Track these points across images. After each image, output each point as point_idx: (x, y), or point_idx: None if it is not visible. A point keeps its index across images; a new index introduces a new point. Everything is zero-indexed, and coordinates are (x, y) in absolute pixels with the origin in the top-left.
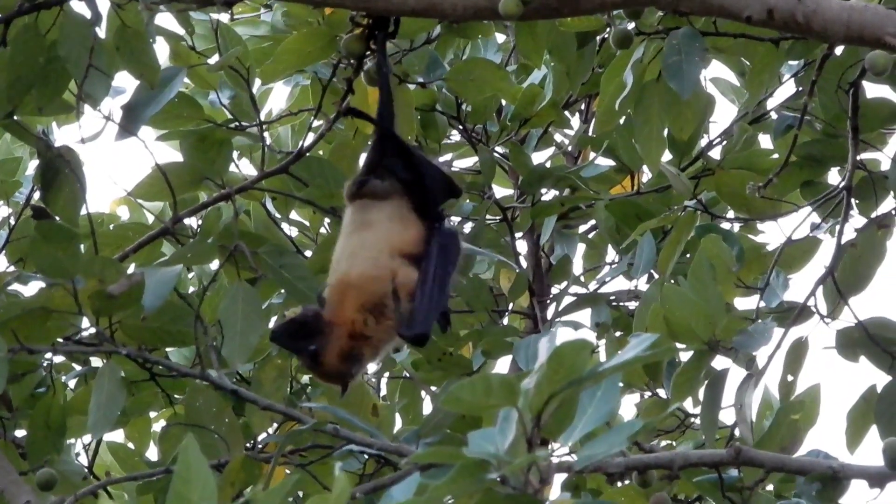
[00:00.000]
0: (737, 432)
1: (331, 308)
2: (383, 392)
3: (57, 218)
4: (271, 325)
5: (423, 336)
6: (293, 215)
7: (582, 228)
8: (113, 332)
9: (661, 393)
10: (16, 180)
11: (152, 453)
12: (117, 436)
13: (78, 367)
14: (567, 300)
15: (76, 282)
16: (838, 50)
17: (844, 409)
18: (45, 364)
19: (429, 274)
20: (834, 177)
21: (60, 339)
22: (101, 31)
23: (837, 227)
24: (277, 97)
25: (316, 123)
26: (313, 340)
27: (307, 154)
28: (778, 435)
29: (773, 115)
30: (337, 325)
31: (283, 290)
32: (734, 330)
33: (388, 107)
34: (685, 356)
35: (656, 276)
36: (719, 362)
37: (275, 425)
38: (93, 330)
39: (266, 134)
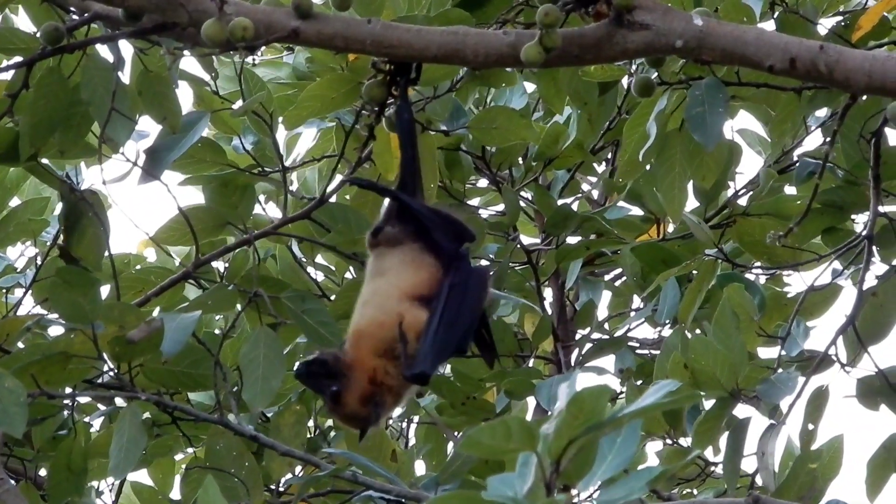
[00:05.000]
0: (758, 480)
1: (350, 354)
2: (412, 439)
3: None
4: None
5: (422, 375)
6: (319, 259)
7: (607, 276)
8: (133, 375)
9: (682, 442)
10: (43, 219)
11: (176, 493)
12: (142, 475)
13: (101, 408)
14: (590, 345)
15: (96, 327)
16: (861, 99)
17: (865, 457)
18: (66, 406)
19: (435, 314)
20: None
21: (82, 381)
22: (125, 76)
23: (859, 275)
24: (301, 141)
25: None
26: (336, 381)
27: (330, 200)
28: (796, 484)
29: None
30: (358, 369)
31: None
32: (757, 379)
33: (408, 154)
34: (706, 404)
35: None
36: (740, 410)
37: (297, 469)
38: (114, 370)
39: (294, 176)
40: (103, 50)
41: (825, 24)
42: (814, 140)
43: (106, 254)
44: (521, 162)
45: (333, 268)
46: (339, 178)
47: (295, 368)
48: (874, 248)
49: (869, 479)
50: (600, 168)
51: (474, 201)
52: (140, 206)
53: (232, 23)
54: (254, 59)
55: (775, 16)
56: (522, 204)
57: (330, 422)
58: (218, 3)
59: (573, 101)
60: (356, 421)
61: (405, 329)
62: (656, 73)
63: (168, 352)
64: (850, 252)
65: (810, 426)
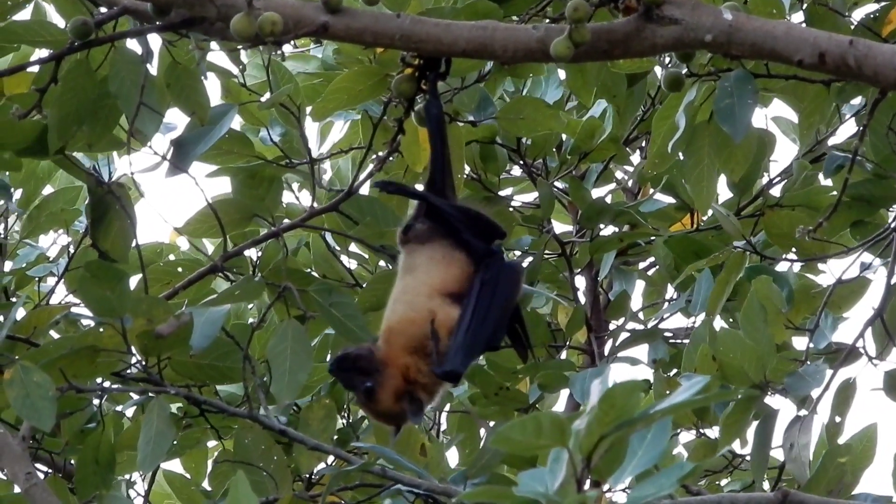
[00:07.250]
0: (786, 473)
1: (383, 350)
2: (443, 426)
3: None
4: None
5: (453, 374)
6: (352, 248)
7: (641, 266)
8: (161, 368)
9: (709, 433)
10: (75, 209)
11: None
12: (175, 465)
13: (129, 398)
14: (624, 336)
15: (125, 321)
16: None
17: (891, 450)
18: (94, 399)
19: (467, 311)
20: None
21: (110, 374)
22: (153, 68)
23: (887, 268)
24: (332, 131)
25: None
26: (370, 377)
27: (357, 192)
28: (825, 478)
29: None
30: (391, 366)
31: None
32: (784, 371)
33: (438, 150)
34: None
35: None
36: (768, 403)
37: (322, 465)
38: (142, 363)
39: (328, 165)
40: (131, 42)
41: (854, 16)
42: (848, 129)
43: (133, 246)
44: (555, 151)
45: (367, 256)
46: (367, 170)
47: (328, 363)
48: None
49: None
50: (635, 158)
51: (507, 191)
52: (170, 196)
53: (261, 17)
54: (282, 55)
55: (804, 7)
56: (556, 191)
57: (359, 415)
58: None
59: (601, 93)
60: (389, 418)
61: (437, 326)
62: (685, 66)
63: (197, 346)
64: (878, 245)
65: (837, 419)
